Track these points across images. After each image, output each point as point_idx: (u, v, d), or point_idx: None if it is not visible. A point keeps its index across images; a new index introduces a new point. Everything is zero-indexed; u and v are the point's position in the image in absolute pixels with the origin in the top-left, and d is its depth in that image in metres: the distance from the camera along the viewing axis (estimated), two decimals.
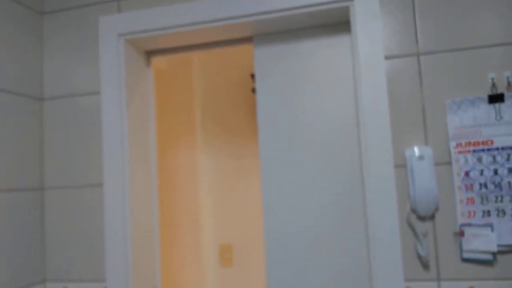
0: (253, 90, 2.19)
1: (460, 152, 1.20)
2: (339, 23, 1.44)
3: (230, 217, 2.30)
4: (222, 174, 2.32)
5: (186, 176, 2.33)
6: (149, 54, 1.64)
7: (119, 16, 1.49)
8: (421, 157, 1.21)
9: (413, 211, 1.23)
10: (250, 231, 2.27)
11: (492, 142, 1.19)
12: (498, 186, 1.18)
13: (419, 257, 1.22)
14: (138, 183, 1.50)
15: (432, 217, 1.22)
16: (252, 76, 2.16)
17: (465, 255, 1.19)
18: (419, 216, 1.22)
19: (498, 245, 1.16)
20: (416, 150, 1.22)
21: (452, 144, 1.21)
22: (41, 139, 1.53)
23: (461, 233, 1.19)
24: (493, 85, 1.20)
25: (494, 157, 1.18)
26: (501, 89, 1.20)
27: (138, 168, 1.51)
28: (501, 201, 1.17)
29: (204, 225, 2.30)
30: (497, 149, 1.18)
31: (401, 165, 1.25)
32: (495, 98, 1.19)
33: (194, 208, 2.30)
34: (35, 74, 1.53)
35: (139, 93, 1.57)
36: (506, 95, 1.19)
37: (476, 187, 1.19)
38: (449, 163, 1.22)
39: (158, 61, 2.29)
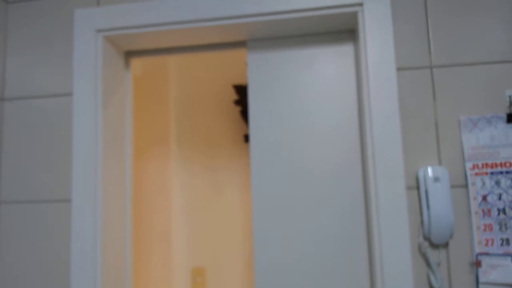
0: (236, 102, 2.05)
1: (477, 174, 1.11)
2: (343, 31, 1.33)
3: (204, 239, 2.12)
4: (196, 190, 2.15)
5: (157, 192, 2.14)
6: (129, 55, 1.47)
7: (97, 9, 1.32)
8: (436, 178, 1.10)
9: (426, 238, 1.11)
10: (226, 253, 2.10)
11: (510, 164, 1.10)
12: None
13: None
14: (111, 199, 1.32)
15: (446, 245, 1.11)
16: (235, 87, 2.02)
17: None
18: (432, 244, 1.11)
19: None
20: (430, 170, 1.11)
21: (468, 165, 1.11)
22: None
23: (478, 263, 1.08)
24: (511, 103, 1.12)
25: None
26: None
27: (113, 182, 1.33)
28: None
29: (176, 246, 2.11)
30: None
31: (413, 187, 1.13)
32: None
33: (165, 227, 2.11)
34: None
35: (117, 97, 1.39)
36: None
37: (494, 212, 1.09)
38: (465, 185, 1.12)
39: (133, 67, 2.12)
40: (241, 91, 2.03)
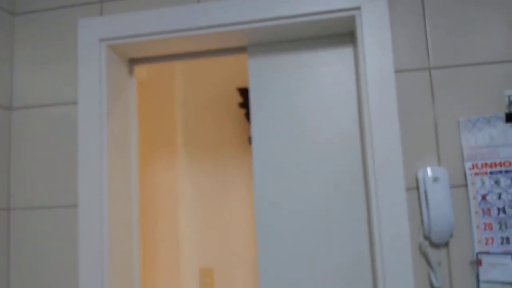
0: (240, 105, 2.07)
1: (476, 173, 1.12)
2: (342, 34, 1.35)
3: (211, 239, 2.15)
4: (204, 193, 2.18)
5: (165, 195, 2.17)
6: (133, 62, 1.50)
7: (101, 19, 1.35)
8: (435, 179, 1.11)
9: (426, 238, 1.12)
10: (233, 254, 2.12)
11: (510, 164, 1.10)
12: None
13: None
14: (117, 205, 1.35)
15: (446, 244, 1.12)
16: (240, 90, 2.05)
17: (483, 286, 1.09)
18: (433, 244, 1.12)
19: None
20: (429, 171, 1.12)
21: (468, 165, 1.12)
22: (7, 153, 1.36)
23: (478, 262, 1.09)
24: (510, 103, 1.13)
25: None
26: None
27: (118, 187, 1.36)
28: None
29: (184, 247, 2.14)
30: None
31: (413, 187, 1.15)
32: None
33: (173, 230, 2.14)
34: (4, 80, 1.37)
35: (121, 104, 1.42)
36: None
37: (494, 211, 1.10)
38: (464, 185, 1.13)
39: (138, 71, 2.15)
40: (246, 94, 2.05)
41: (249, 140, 2.06)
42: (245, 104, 2.05)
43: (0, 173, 1.33)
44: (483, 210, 1.11)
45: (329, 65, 1.35)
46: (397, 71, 1.18)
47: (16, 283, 1.32)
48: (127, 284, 1.37)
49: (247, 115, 2.06)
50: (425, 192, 1.11)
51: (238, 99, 2.14)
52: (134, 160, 1.47)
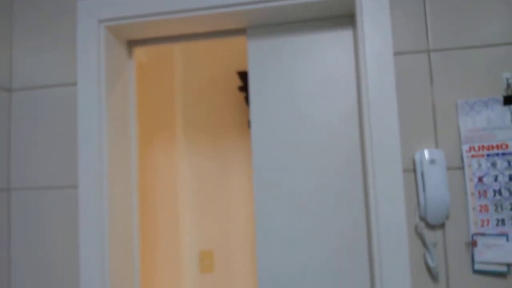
0: (240, 89, 2.07)
1: (473, 156, 1.12)
2: (341, 16, 1.34)
3: (211, 222, 2.17)
4: (203, 176, 2.19)
5: (164, 178, 2.18)
6: (132, 44, 1.50)
7: (100, 0, 1.34)
8: (432, 161, 1.12)
9: (422, 219, 1.14)
10: (232, 236, 2.15)
11: (507, 146, 1.11)
12: None
13: (428, 269, 1.13)
14: (117, 185, 1.36)
15: (442, 225, 1.13)
16: (239, 73, 2.04)
17: (477, 267, 1.10)
18: (429, 225, 1.14)
19: None
20: (426, 153, 1.13)
21: (465, 147, 1.13)
22: (8, 134, 1.37)
23: (474, 243, 1.11)
24: (508, 86, 1.13)
25: (509, 162, 1.11)
26: None
27: (118, 168, 1.37)
28: None
29: (183, 230, 2.16)
30: None
31: (410, 169, 1.15)
32: (511, 100, 1.12)
33: (173, 212, 2.15)
34: (3, 61, 1.37)
35: (120, 86, 1.43)
36: None
37: (490, 193, 1.11)
38: (461, 167, 1.13)
39: (137, 54, 2.15)
40: (245, 78, 2.05)
41: (249, 123, 2.07)
42: (244, 87, 2.05)
43: (1, 154, 1.33)
44: (479, 192, 1.11)
45: (329, 48, 1.34)
46: (396, 53, 1.18)
47: (17, 264, 1.33)
48: (127, 264, 1.39)
49: (247, 99, 2.07)
50: (422, 174, 1.12)
51: (238, 82, 2.14)
52: (133, 142, 1.47)
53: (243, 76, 2.06)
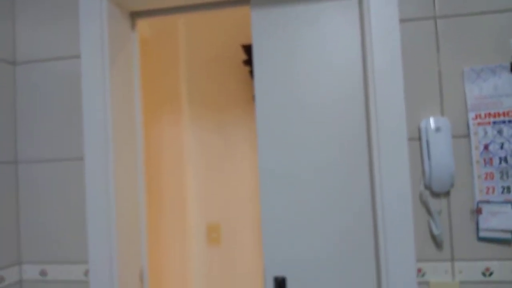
0: (245, 62, 2.05)
1: (479, 124, 1.11)
2: None
3: (217, 196, 2.18)
4: (208, 149, 2.20)
5: (170, 153, 2.19)
6: (135, 15, 1.48)
7: None
8: (437, 129, 1.11)
9: (427, 187, 1.14)
10: (239, 210, 2.16)
11: None
12: None
13: (433, 236, 1.14)
14: (122, 156, 1.36)
15: (447, 193, 1.13)
16: (244, 47, 2.02)
17: (482, 234, 1.11)
18: (434, 193, 1.14)
19: None
20: (432, 121, 1.12)
21: (471, 115, 1.12)
22: (13, 108, 1.37)
23: (478, 211, 1.11)
24: None
25: None
26: None
27: (123, 140, 1.38)
28: None
29: (190, 204, 2.18)
30: None
31: (415, 138, 1.15)
32: None
33: (179, 187, 2.17)
34: (6, 35, 1.36)
35: (123, 58, 1.42)
36: None
37: (496, 161, 1.10)
38: (467, 135, 1.13)
39: (141, 28, 2.13)
40: (250, 51, 2.03)
41: (253, 97, 2.06)
42: (249, 61, 2.04)
43: (7, 127, 1.34)
44: (484, 160, 1.11)
45: (334, 17, 1.32)
46: (402, 20, 1.16)
47: (26, 235, 1.35)
48: (134, 235, 1.41)
49: (251, 73, 2.05)
50: (427, 142, 1.12)
51: (243, 56, 2.12)
52: (138, 113, 1.48)
53: (248, 49, 2.04)
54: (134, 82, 1.48)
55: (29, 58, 1.38)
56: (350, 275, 1.25)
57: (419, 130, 1.14)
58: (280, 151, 1.32)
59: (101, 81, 1.31)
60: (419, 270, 1.14)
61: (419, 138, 1.14)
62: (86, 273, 1.30)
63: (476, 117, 1.12)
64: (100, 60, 1.31)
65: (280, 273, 1.29)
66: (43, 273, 1.33)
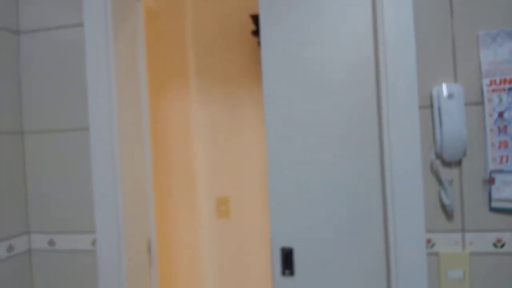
0: (253, 33, 2.01)
1: (494, 90, 1.07)
2: None
3: (227, 169, 2.17)
4: (217, 122, 2.17)
5: (179, 126, 2.18)
6: None
7: None
8: (450, 96, 1.07)
9: (438, 156, 1.10)
10: (247, 183, 2.15)
11: None
12: None
13: (443, 206, 1.11)
14: (128, 126, 1.35)
15: (458, 163, 1.10)
16: (253, 17, 1.98)
17: (494, 205, 1.08)
18: (445, 162, 1.10)
19: None
20: (444, 87, 1.08)
21: (485, 81, 1.08)
22: (18, 78, 1.36)
23: (491, 180, 1.07)
24: None
25: None
26: None
27: (128, 110, 1.36)
28: None
29: (199, 177, 2.17)
30: None
31: (427, 105, 1.11)
32: None
33: (188, 160, 2.16)
34: (10, 3, 1.34)
35: (128, 28, 1.39)
36: None
37: (511, 129, 1.06)
38: (481, 103, 1.09)
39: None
40: (259, 21, 1.99)
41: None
42: (258, 32, 1.99)
43: (12, 97, 1.33)
44: (498, 128, 1.07)
45: None
46: None
47: (34, 206, 1.36)
48: (141, 206, 1.41)
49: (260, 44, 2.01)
50: (439, 109, 1.08)
51: (251, 27, 2.08)
52: (143, 83, 1.46)
53: (257, 19, 1.99)
54: (139, 52, 1.46)
55: (32, 27, 1.36)
56: (357, 246, 1.23)
57: (431, 97, 1.10)
58: (288, 120, 1.28)
59: (104, 50, 1.28)
60: (428, 241, 1.12)
61: (431, 106, 1.11)
62: (93, 242, 1.30)
63: (491, 83, 1.07)
64: (103, 28, 1.29)
65: (287, 244, 1.28)
66: (51, 242, 1.34)
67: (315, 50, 1.27)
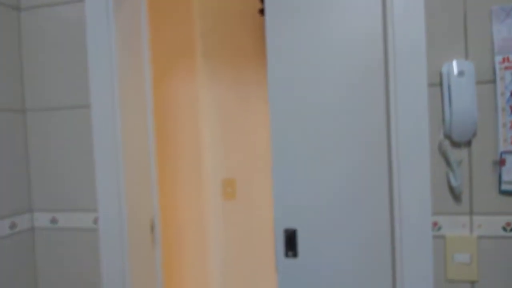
0: (260, 12, 1.97)
1: (506, 68, 1.02)
2: None
3: (233, 151, 2.15)
4: (223, 104, 2.15)
5: (185, 106, 2.15)
6: None
7: None
8: (460, 73, 1.03)
9: (447, 136, 1.06)
10: (253, 165, 2.13)
11: None
12: None
13: (451, 188, 1.07)
14: (130, 104, 1.33)
15: (468, 143, 1.06)
16: None
17: (504, 187, 1.04)
18: (454, 142, 1.06)
19: None
20: (455, 65, 1.03)
21: (498, 58, 1.03)
22: (19, 55, 1.34)
23: (502, 162, 1.03)
24: None
25: None
26: None
27: (130, 87, 1.34)
28: None
29: (206, 159, 2.16)
30: None
31: (435, 83, 1.07)
32: None
33: (195, 142, 2.14)
34: None
35: (130, 4, 1.36)
36: None
37: None
38: (492, 81, 1.04)
39: None
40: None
41: None
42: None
43: (13, 74, 1.32)
44: (511, 107, 1.03)
45: None
46: None
47: (36, 183, 1.35)
48: (144, 185, 1.40)
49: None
50: (449, 87, 1.04)
51: (258, 5, 2.03)
52: (147, 62, 1.43)
53: None
54: (142, 29, 1.43)
55: (33, 3, 1.33)
56: (362, 228, 1.21)
57: (441, 74, 1.06)
58: (292, 95, 1.25)
59: (105, 26, 1.26)
60: (434, 224, 1.09)
61: (440, 84, 1.06)
62: (95, 220, 1.30)
63: (504, 61, 1.03)
64: (104, 4, 1.26)
65: (290, 225, 1.26)
66: (53, 220, 1.34)
67: (322, 23, 1.23)
